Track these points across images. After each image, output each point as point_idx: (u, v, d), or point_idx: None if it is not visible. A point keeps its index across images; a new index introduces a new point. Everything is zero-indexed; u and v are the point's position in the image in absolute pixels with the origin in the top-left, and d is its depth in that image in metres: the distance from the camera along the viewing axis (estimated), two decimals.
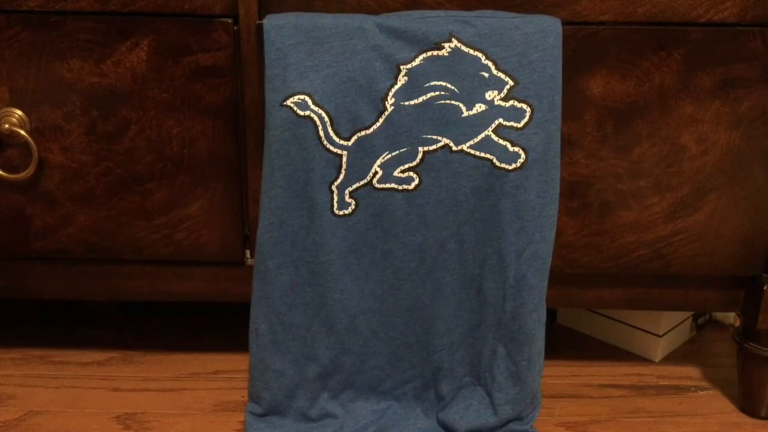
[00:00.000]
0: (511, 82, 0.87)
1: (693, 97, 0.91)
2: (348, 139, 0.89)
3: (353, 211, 0.91)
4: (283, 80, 0.87)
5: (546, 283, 0.93)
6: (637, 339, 1.17)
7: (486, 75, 0.87)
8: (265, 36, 0.87)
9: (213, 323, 1.24)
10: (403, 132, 0.89)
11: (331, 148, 0.89)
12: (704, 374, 1.13)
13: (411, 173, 0.90)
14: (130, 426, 1.00)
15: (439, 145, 0.89)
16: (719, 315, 1.26)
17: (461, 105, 0.88)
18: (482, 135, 0.89)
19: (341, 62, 0.87)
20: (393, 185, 0.90)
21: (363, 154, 0.89)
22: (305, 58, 0.87)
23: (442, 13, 0.87)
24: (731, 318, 1.25)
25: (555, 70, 0.87)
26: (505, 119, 0.88)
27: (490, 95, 0.88)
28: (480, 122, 0.88)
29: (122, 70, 0.90)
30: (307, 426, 0.97)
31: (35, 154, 0.92)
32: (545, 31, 0.87)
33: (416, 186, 0.90)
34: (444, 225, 0.91)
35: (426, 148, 0.89)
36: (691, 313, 1.20)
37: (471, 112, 0.88)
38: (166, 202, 0.95)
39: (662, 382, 1.11)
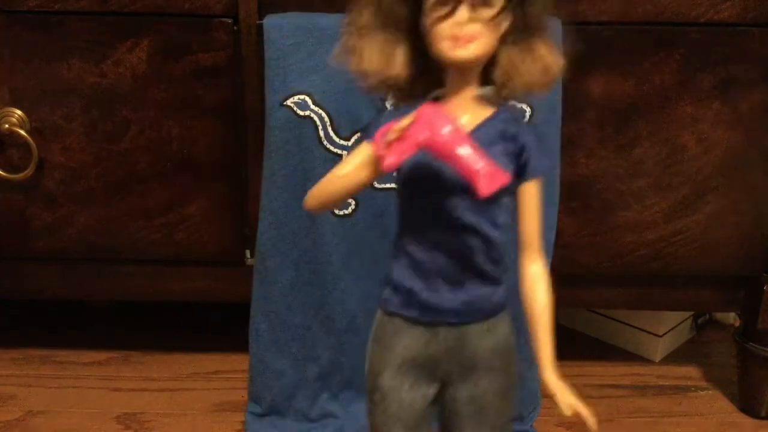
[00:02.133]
0: None
1: (693, 97, 0.91)
2: (348, 139, 0.89)
3: (353, 211, 0.91)
4: (283, 80, 0.87)
5: None
6: (637, 339, 1.17)
7: None
8: (265, 36, 0.87)
9: (213, 323, 1.23)
10: None
11: (332, 148, 0.89)
12: (704, 374, 1.13)
13: None
14: (130, 426, 1.00)
15: None
16: (719, 315, 1.26)
17: None
18: None
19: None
20: (393, 185, 0.90)
21: None
22: (305, 58, 0.87)
23: None
24: (731, 318, 1.25)
25: None
26: None
27: None
28: None
29: (122, 70, 0.90)
30: (307, 426, 0.97)
31: (35, 154, 0.92)
32: None
33: None
34: None
35: None
36: (691, 313, 1.20)
37: None
38: (166, 202, 0.95)
39: (662, 382, 1.11)
